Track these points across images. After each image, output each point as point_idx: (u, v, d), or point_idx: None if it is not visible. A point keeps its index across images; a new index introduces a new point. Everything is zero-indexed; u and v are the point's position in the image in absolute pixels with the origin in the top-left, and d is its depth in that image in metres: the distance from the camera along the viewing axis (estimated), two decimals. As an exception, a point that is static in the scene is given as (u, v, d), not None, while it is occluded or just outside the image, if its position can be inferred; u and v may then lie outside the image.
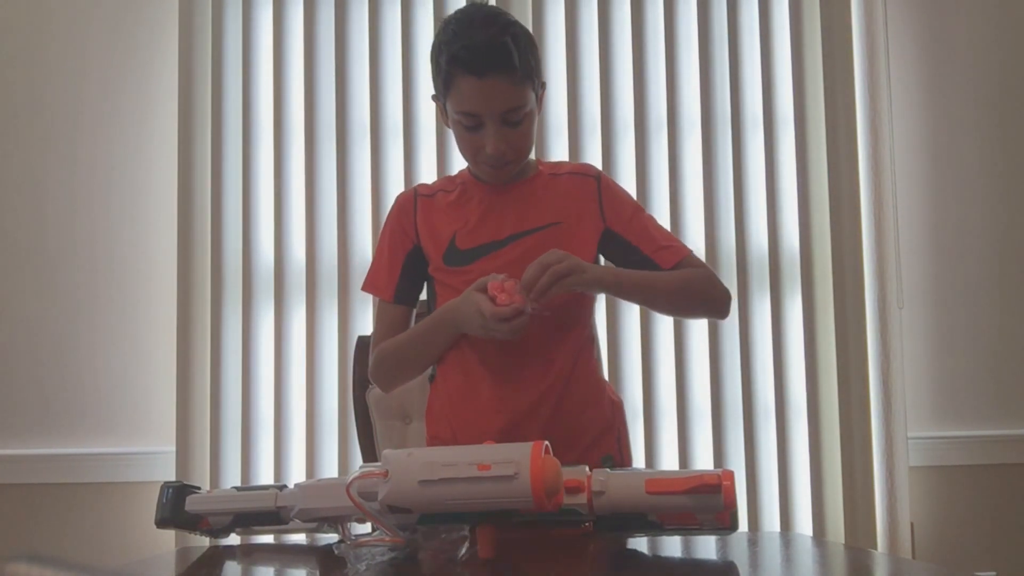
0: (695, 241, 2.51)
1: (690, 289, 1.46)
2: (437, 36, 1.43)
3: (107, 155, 2.48)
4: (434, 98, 1.48)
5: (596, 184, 1.51)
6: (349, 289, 2.43)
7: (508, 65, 1.35)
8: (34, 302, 2.44)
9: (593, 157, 2.51)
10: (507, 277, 1.31)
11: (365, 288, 1.57)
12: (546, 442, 0.97)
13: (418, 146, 2.49)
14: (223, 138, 2.46)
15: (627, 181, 2.50)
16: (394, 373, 1.53)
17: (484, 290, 1.32)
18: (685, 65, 2.55)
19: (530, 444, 0.95)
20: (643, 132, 2.52)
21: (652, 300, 1.51)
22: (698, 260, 1.51)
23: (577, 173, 1.53)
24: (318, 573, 1.05)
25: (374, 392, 1.74)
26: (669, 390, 2.46)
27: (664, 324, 2.48)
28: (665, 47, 2.54)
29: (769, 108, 2.54)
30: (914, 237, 2.58)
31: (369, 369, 1.54)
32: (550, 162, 1.57)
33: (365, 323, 2.42)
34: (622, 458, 1.48)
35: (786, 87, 2.56)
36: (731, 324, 2.48)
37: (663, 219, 2.50)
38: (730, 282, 2.49)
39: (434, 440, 1.50)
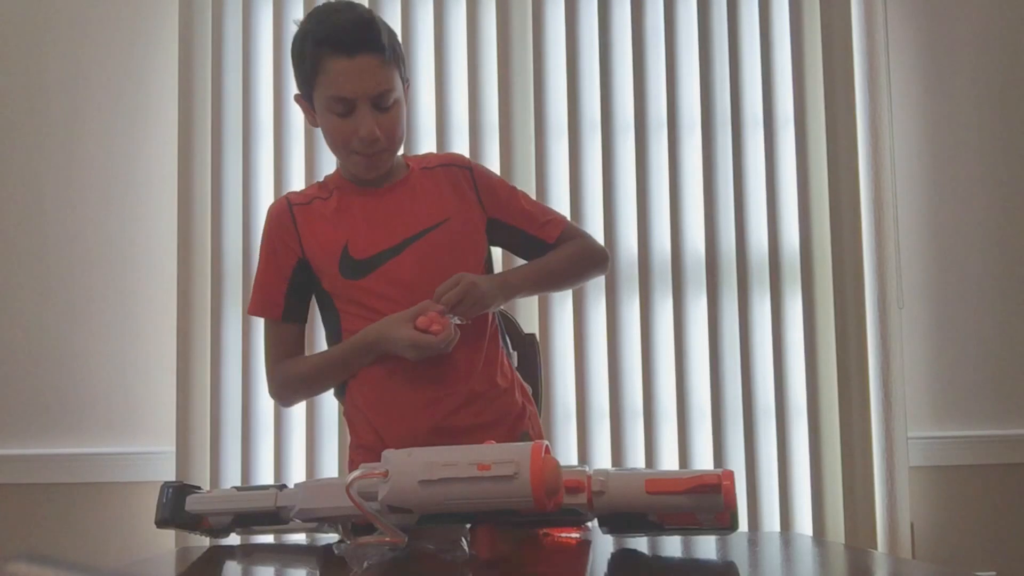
0: (695, 241, 2.51)
1: (577, 265, 1.56)
2: (300, 29, 1.43)
3: (107, 155, 2.48)
4: (297, 98, 1.47)
5: (470, 174, 1.53)
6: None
7: (377, 44, 1.36)
8: (34, 302, 2.44)
9: (593, 157, 2.51)
10: (425, 306, 1.35)
11: (251, 311, 1.52)
12: (546, 442, 0.97)
13: (418, 146, 2.49)
14: (223, 138, 2.46)
15: (627, 181, 2.51)
16: (303, 393, 1.57)
17: (409, 321, 1.34)
18: (685, 65, 2.55)
19: (530, 444, 0.95)
20: (643, 132, 2.52)
21: (544, 289, 1.65)
22: (575, 228, 1.58)
23: (450, 164, 1.54)
24: (318, 573, 1.05)
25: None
26: (669, 390, 2.46)
27: (664, 324, 2.48)
28: (665, 47, 2.54)
29: (769, 108, 2.54)
30: (914, 237, 2.58)
31: (269, 389, 1.53)
32: (416, 156, 1.58)
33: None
34: (535, 434, 1.53)
35: (786, 87, 2.56)
36: (731, 324, 2.49)
37: (663, 219, 2.51)
38: (730, 282, 2.49)
39: (359, 449, 1.48)
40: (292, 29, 2.52)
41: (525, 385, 1.57)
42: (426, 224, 1.45)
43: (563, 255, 1.54)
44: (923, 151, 2.60)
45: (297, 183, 2.46)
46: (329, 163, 2.47)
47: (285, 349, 1.50)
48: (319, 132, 2.45)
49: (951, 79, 2.62)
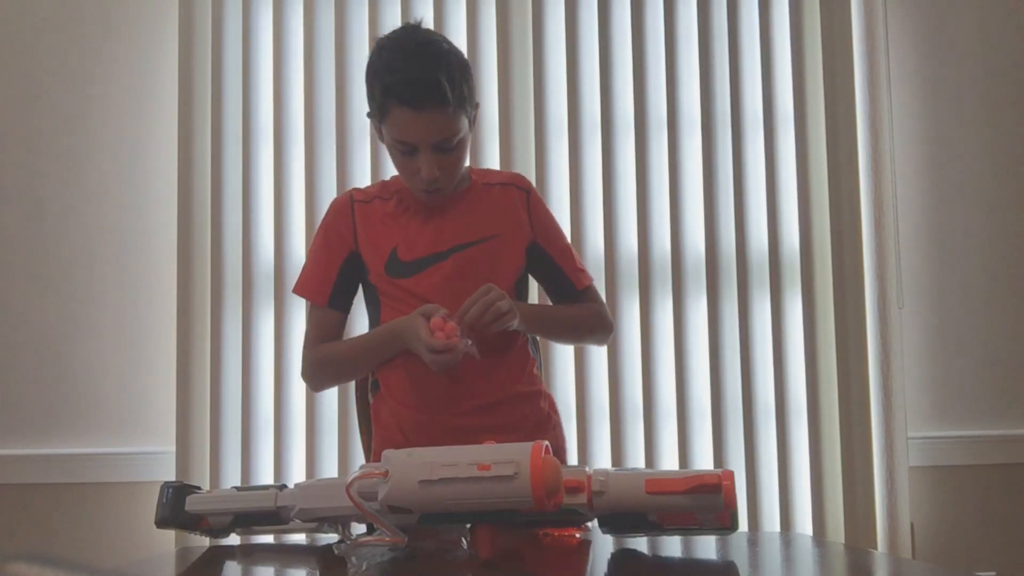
0: (695, 241, 2.51)
1: (583, 327, 1.63)
2: (371, 59, 1.46)
3: (107, 155, 2.48)
4: (369, 115, 1.50)
5: (526, 197, 1.59)
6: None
7: (442, 100, 1.39)
8: (34, 302, 2.44)
9: (593, 157, 2.51)
10: (448, 315, 1.38)
11: (297, 291, 1.59)
12: (546, 442, 0.97)
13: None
14: (223, 138, 2.46)
15: (627, 181, 2.51)
16: (333, 378, 1.62)
17: (427, 316, 1.38)
18: (685, 65, 2.55)
19: (530, 444, 0.95)
20: (643, 132, 2.52)
21: (555, 335, 1.69)
22: (596, 292, 1.64)
23: (510, 184, 1.59)
24: (318, 573, 1.05)
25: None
26: (669, 390, 2.46)
27: (664, 324, 2.48)
28: (665, 47, 2.54)
29: (769, 108, 2.54)
30: (914, 237, 2.58)
31: (303, 370, 1.58)
32: (481, 170, 1.63)
33: (365, 323, 2.42)
34: (557, 445, 1.57)
35: (786, 87, 2.56)
36: (731, 324, 2.49)
37: (663, 219, 2.51)
38: (730, 282, 2.50)
39: (385, 445, 1.51)
40: (292, 29, 2.53)
41: (552, 396, 1.61)
42: (475, 236, 1.52)
43: (580, 312, 1.61)
44: (923, 151, 2.60)
45: (297, 183, 2.46)
46: (330, 164, 2.47)
47: (324, 334, 1.56)
48: (319, 132, 2.47)
49: (951, 79, 2.62)
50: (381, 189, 1.58)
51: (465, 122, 1.45)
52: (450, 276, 1.49)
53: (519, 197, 1.58)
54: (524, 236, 1.56)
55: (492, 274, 1.49)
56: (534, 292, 1.89)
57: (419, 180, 1.45)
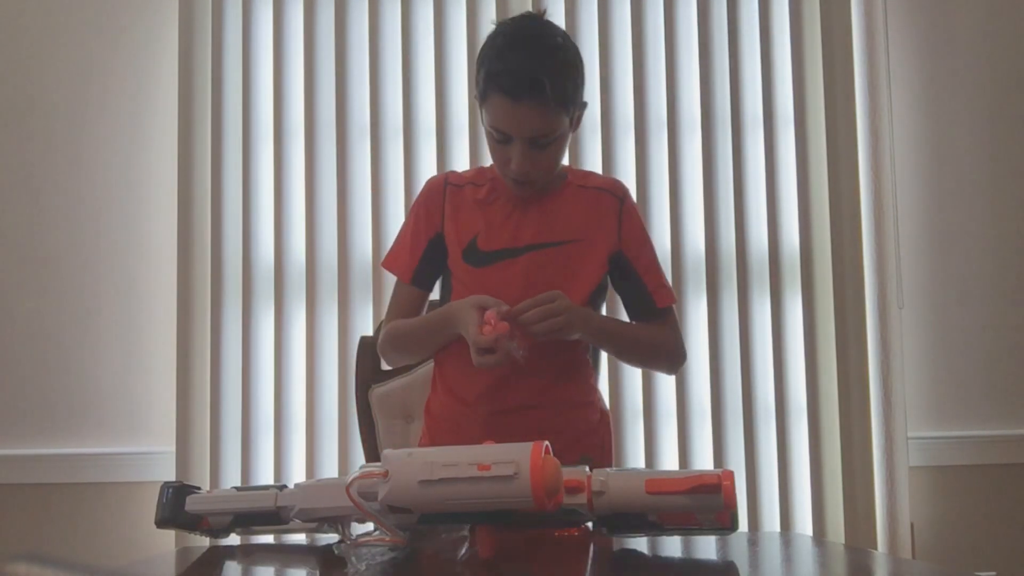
0: (695, 241, 2.51)
1: (654, 352, 1.56)
2: (485, 43, 1.45)
3: (107, 155, 2.48)
4: (477, 98, 1.49)
5: (620, 205, 1.54)
6: (349, 289, 2.43)
7: (541, 95, 1.37)
8: (34, 302, 2.44)
9: (593, 157, 2.51)
10: (503, 312, 1.33)
11: (385, 264, 1.60)
12: (546, 442, 0.97)
13: (418, 146, 2.49)
14: (223, 138, 2.46)
15: (627, 181, 2.49)
16: (400, 353, 1.59)
17: (482, 308, 1.35)
18: (685, 65, 2.55)
19: (530, 444, 0.95)
20: (643, 132, 2.52)
21: (621, 354, 1.60)
22: (674, 317, 1.58)
23: (604, 189, 1.56)
24: (318, 573, 1.05)
25: (377, 391, 1.75)
26: (669, 390, 2.46)
27: (664, 324, 2.48)
28: (665, 47, 2.54)
29: (769, 108, 2.54)
30: (914, 237, 2.58)
31: (379, 343, 1.59)
32: (580, 171, 1.60)
33: (365, 323, 2.42)
34: (602, 463, 1.50)
35: (786, 87, 2.56)
36: (731, 324, 2.49)
37: (663, 219, 2.51)
38: (730, 282, 2.50)
39: (431, 435, 1.54)
40: (292, 29, 2.53)
41: (606, 409, 1.59)
42: (556, 238, 1.49)
43: (654, 335, 1.54)
44: (923, 151, 2.60)
45: (297, 183, 2.46)
46: (330, 164, 2.47)
47: (403, 310, 1.56)
48: (319, 132, 2.47)
49: (951, 79, 2.62)
50: (476, 175, 1.57)
51: (565, 121, 1.43)
52: (522, 274, 1.46)
53: (611, 204, 1.54)
54: (609, 244, 1.52)
55: (568, 279, 1.46)
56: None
57: (508, 170, 1.43)
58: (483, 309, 1.35)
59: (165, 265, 2.44)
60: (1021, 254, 2.59)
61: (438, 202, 1.54)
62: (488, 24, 2.52)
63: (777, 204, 2.54)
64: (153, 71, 2.51)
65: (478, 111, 1.49)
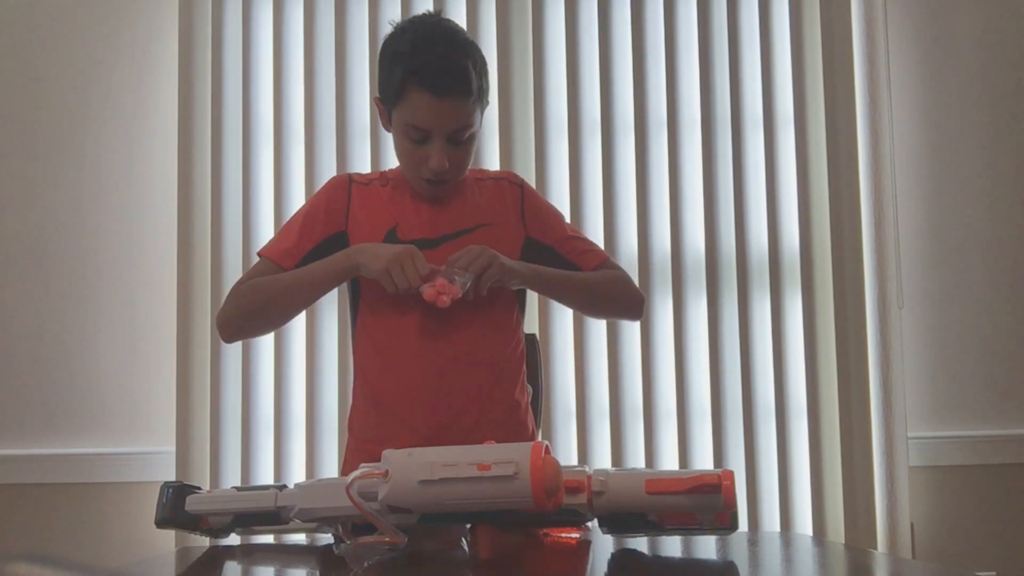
0: (695, 241, 2.51)
1: (606, 289, 1.54)
2: (390, 41, 1.44)
3: (107, 155, 2.48)
4: (376, 101, 1.49)
5: (520, 192, 1.56)
6: (349, 289, 2.43)
7: (466, 89, 1.38)
8: (34, 302, 2.44)
9: (593, 157, 2.51)
10: (438, 269, 1.37)
11: (264, 253, 1.50)
12: (546, 442, 0.97)
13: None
14: (223, 138, 2.45)
15: (627, 181, 2.51)
16: (256, 316, 1.47)
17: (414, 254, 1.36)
18: (685, 65, 2.55)
19: (530, 444, 0.95)
20: (643, 132, 2.52)
21: (569, 296, 1.56)
22: (615, 264, 1.59)
23: (501, 179, 1.58)
24: (318, 573, 1.05)
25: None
26: (669, 390, 2.46)
27: (664, 324, 2.48)
28: (665, 47, 2.54)
29: (769, 108, 2.54)
30: (914, 237, 2.58)
31: (220, 314, 1.48)
32: (474, 169, 1.59)
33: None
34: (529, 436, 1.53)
35: (786, 87, 2.56)
36: (731, 324, 2.49)
37: (663, 219, 2.51)
38: (730, 282, 2.49)
39: (358, 441, 1.51)
40: (292, 29, 2.53)
41: (529, 389, 1.58)
42: (465, 226, 1.49)
43: (594, 275, 1.55)
44: (923, 151, 2.60)
45: (297, 183, 2.46)
46: (329, 163, 2.47)
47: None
48: (318, 133, 2.47)
49: (951, 79, 2.62)
50: (379, 176, 1.57)
51: (479, 116, 1.44)
52: (439, 263, 1.44)
53: (512, 192, 1.56)
54: (516, 232, 1.53)
55: None
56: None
57: (425, 169, 1.42)
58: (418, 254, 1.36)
59: (165, 265, 2.43)
60: (1021, 254, 2.59)
61: (342, 200, 1.51)
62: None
63: (777, 205, 2.54)
64: (153, 71, 2.50)
65: (380, 113, 1.48)
